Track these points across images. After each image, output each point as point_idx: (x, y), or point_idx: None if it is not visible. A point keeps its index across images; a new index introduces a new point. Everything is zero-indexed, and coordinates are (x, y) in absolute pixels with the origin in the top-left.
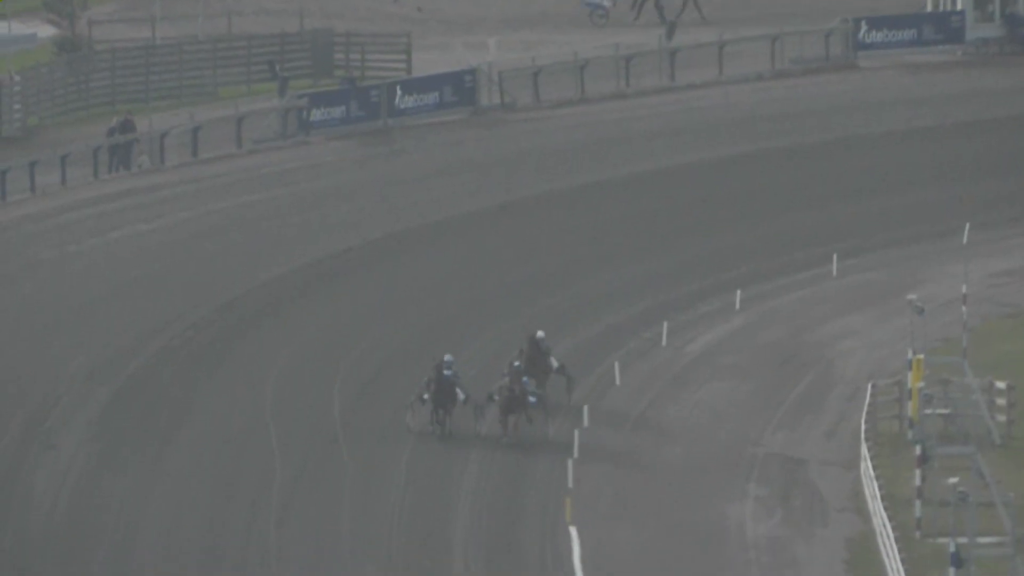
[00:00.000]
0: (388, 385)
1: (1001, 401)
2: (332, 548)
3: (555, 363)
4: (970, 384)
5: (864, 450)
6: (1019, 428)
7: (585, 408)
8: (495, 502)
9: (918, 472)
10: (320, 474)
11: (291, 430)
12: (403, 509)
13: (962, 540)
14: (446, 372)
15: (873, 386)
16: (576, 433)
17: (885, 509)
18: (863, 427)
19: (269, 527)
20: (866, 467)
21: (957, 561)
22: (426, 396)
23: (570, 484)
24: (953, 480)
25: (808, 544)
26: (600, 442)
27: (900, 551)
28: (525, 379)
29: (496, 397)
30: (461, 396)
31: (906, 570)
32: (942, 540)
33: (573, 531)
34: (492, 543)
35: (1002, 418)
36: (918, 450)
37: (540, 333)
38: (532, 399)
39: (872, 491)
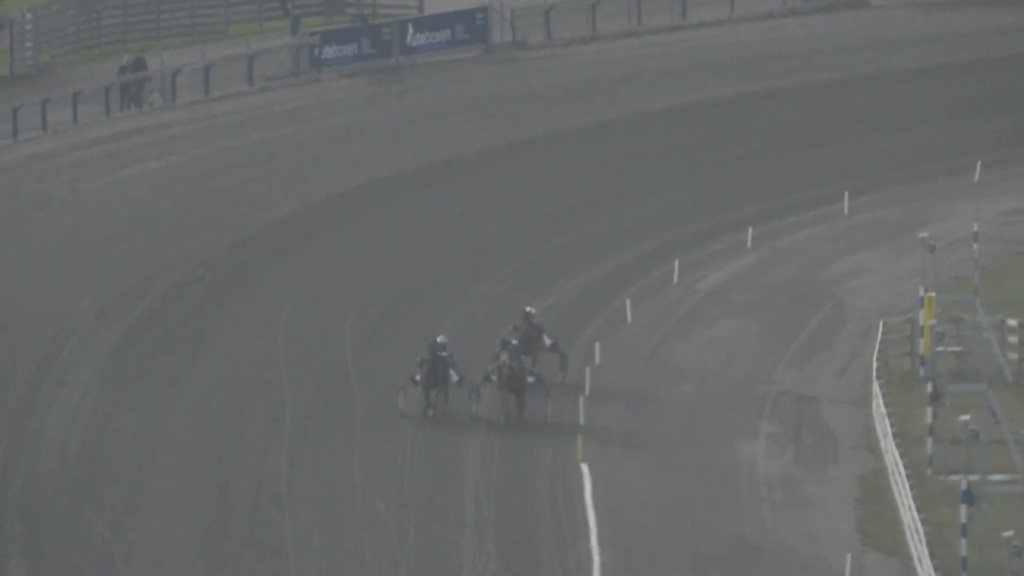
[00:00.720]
0: (400, 324)
1: (1013, 339)
2: (343, 486)
3: (548, 340)
4: (982, 322)
5: (876, 388)
6: None
7: (596, 346)
8: (507, 441)
9: (930, 410)
10: (331, 412)
11: (302, 368)
12: (415, 447)
13: (973, 478)
14: (441, 354)
15: (885, 324)
16: (587, 371)
17: (897, 447)
18: (875, 365)
19: (280, 465)
20: (878, 405)
21: (968, 498)
22: (418, 378)
23: (581, 422)
24: (965, 418)
25: (820, 482)
26: (611, 380)
27: (911, 488)
28: (523, 358)
29: (494, 377)
30: (455, 378)
31: (917, 507)
32: (953, 478)
33: (585, 468)
34: (504, 481)
35: (1014, 356)
36: (930, 388)
37: (531, 308)
38: (531, 379)
39: (884, 429)
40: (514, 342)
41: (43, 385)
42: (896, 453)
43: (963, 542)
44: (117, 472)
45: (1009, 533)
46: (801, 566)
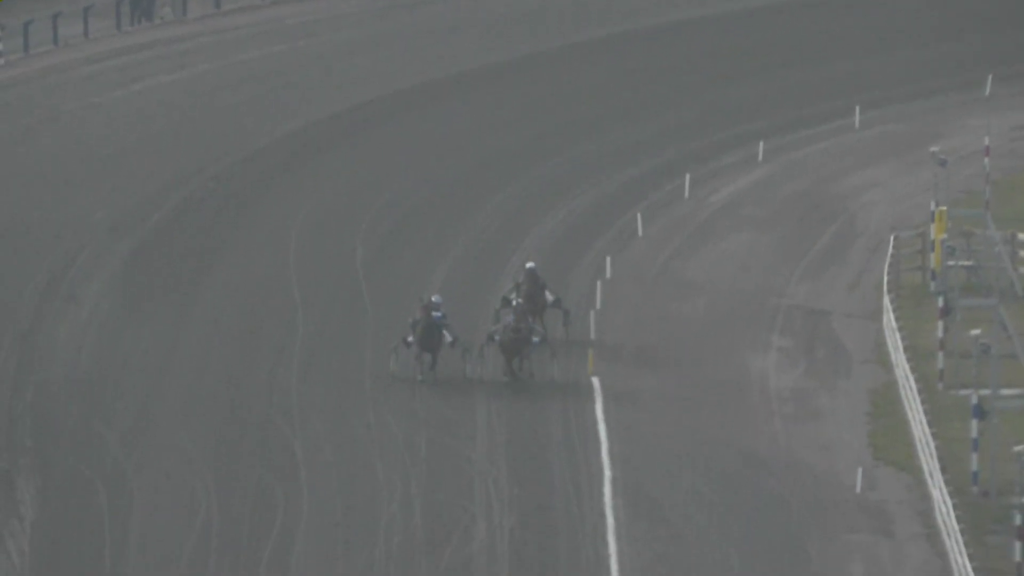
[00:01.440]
0: (410, 238)
1: (1023, 253)
2: (354, 400)
3: (551, 297)
4: (992, 236)
5: (887, 302)
6: None
7: (607, 260)
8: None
9: (940, 324)
10: (342, 327)
11: (313, 283)
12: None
13: (984, 392)
14: (434, 314)
15: (896, 238)
16: (599, 284)
17: (908, 361)
18: (886, 279)
19: (291, 380)
20: (888, 319)
21: (979, 413)
22: (410, 339)
23: (592, 336)
24: (975, 332)
25: (831, 395)
26: (622, 294)
27: (922, 403)
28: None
29: (498, 338)
30: (449, 338)
31: (928, 421)
32: (964, 392)
33: (595, 382)
34: (514, 395)
35: None
36: (941, 302)
37: (531, 264)
38: (536, 339)
39: (895, 343)
40: (518, 301)
41: (54, 299)
42: (907, 367)
43: (974, 457)
44: (128, 386)
45: (1021, 448)
46: (813, 479)
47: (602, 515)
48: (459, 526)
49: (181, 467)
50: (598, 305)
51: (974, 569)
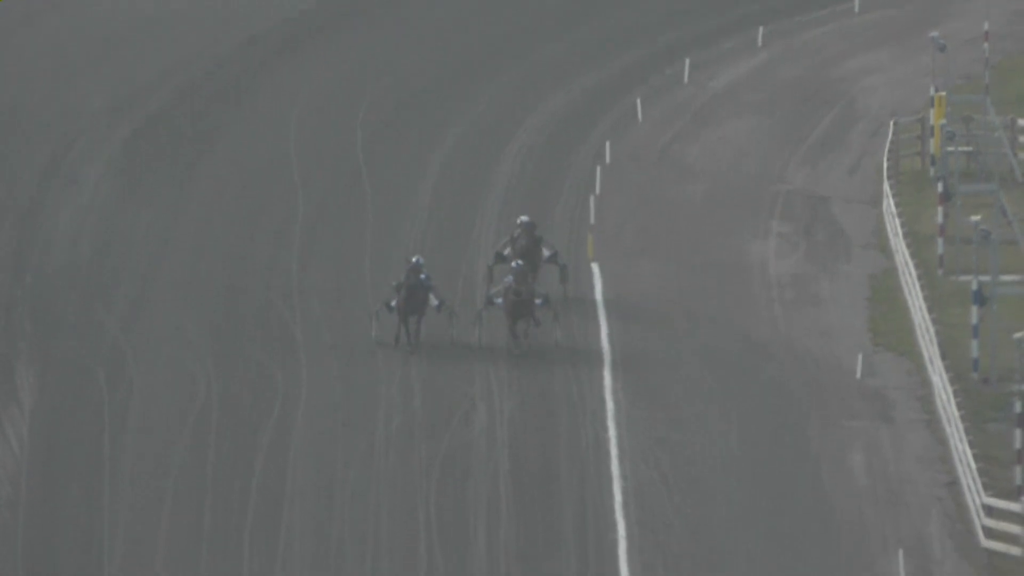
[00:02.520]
0: (410, 122)
1: None
2: (353, 282)
3: (547, 252)
4: (992, 121)
5: (886, 187)
6: None
7: (607, 144)
8: None
9: (940, 209)
10: (342, 210)
11: (314, 166)
12: (425, 243)
13: (984, 278)
14: (421, 275)
15: (895, 123)
16: (598, 169)
17: (907, 246)
18: (885, 164)
19: (291, 263)
20: (888, 204)
21: (980, 299)
22: (393, 303)
23: (592, 220)
24: (975, 218)
25: (831, 280)
26: (622, 178)
27: (922, 288)
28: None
29: (498, 301)
30: (434, 302)
31: (928, 307)
32: (964, 278)
33: (595, 267)
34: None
35: None
36: (940, 187)
37: (526, 218)
38: (539, 301)
39: (894, 228)
40: (517, 262)
41: (54, 183)
42: (907, 253)
43: (974, 343)
44: (127, 270)
45: (1020, 334)
46: (813, 364)
47: (602, 400)
48: (459, 410)
49: (180, 350)
50: (597, 190)
51: (974, 456)
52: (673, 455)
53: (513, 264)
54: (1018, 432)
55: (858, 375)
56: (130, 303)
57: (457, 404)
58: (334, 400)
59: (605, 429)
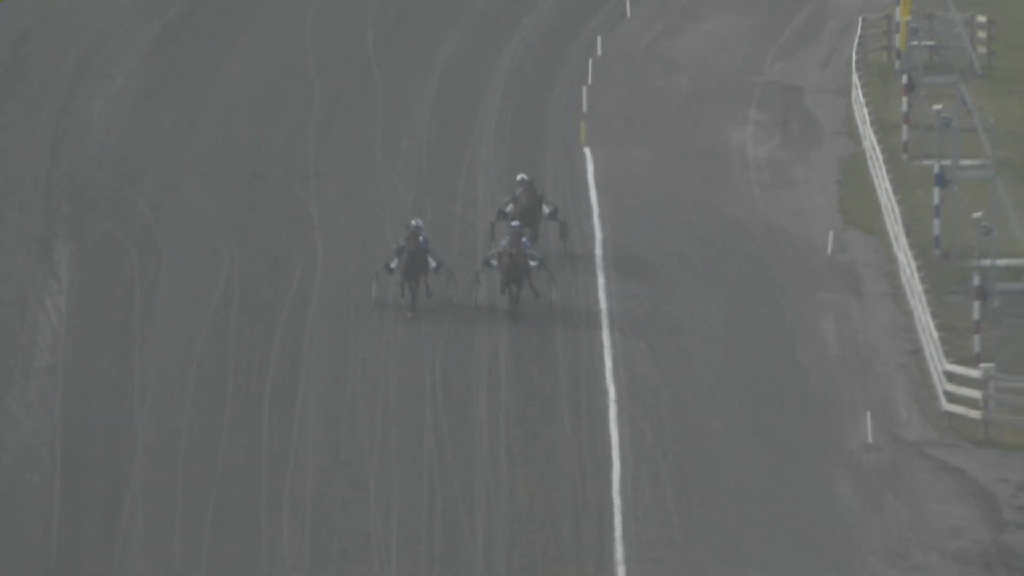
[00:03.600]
0: (417, 22)
1: (982, 34)
2: (366, 167)
3: (547, 209)
4: (954, 18)
5: (855, 79)
6: (999, 60)
7: (598, 39)
8: (518, 119)
9: (905, 99)
10: (355, 101)
11: (328, 61)
12: (432, 131)
13: (946, 162)
14: (420, 238)
15: (864, 20)
16: (590, 62)
17: (874, 133)
18: (854, 58)
19: (308, 150)
20: (857, 94)
21: (941, 181)
22: (393, 265)
23: (584, 109)
24: (938, 107)
25: (805, 165)
26: (612, 71)
27: (888, 172)
28: (524, 240)
29: (494, 263)
30: (433, 264)
31: (894, 189)
32: (927, 162)
33: (587, 152)
34: (512, 167)
35: (983, 50)
36: (905, 79)
37: (525, 176)
38: (534, 263)
39: (863, 116)
40: (515, 224)
41: (88, 76)
42: (874, 139)
43: (936, 222)
44: (156, 156)
45: (979, 214)
46: (787, 241)
47: (593, 275)
48: (462, 283)
49: (206, 230)
50: (589, 81)
51: (936, 326)
52: (659, 326)
53: (512, 224)
54: (976, 304)
55: (829, 251)
56: (159, 186)
57: (463, 280)
58: (347, 275)
59: (597, 302)
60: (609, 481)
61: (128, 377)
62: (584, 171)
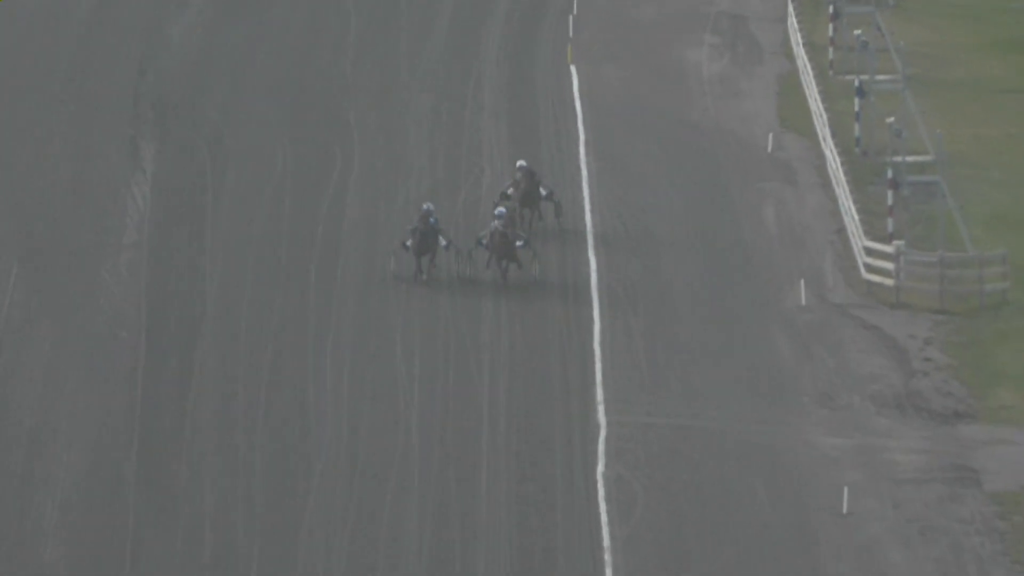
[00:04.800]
0: None
1: None
2: (394, 82)
3: (544, 191)
4: None
5: (790, 8)
6: None
7: None
8: (516, 43)
9: (831, 25)
10: (385, 28)
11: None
12: (446, 52)
13: (864, 77)
14: (430, 220)
15: None
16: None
17: (806, 53)
18: None
19: (346, 65)
20: (792, 21)
21: (861, 93)
22: (409, 243)
23: (571, 34)
24: (858, 31)
25: (749, 79)
26: (593, 3)
27: (817, 85)
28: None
29: (485, 242)
30: (443, 242)
31: (822, 99)
32: (849, 77)
33: (573, 69)
34: (511, 88)
35: None
36: (831, 9)
37: (524, 162)
38: (519, 243)
39: (796, 40)
40: (502, 209)
41: (168, 5)
42: (806, 58)
43: (856, 126)
44: (223, 71)
45: (891, 119)
46: (735, 141)
47: (578, 168)
48: (471, 174)
49: (264, 131)
50: (575, 11)
51: (857, 210)
52: (631, 207)
53: (497, 210)
54: (889, 192)
55: (769, 149)
56: (226, 96)
57: (469, 169)
58: (378, 169)
59: (581, 191)
60: (591, 336)
61: (200, 250)
62: (570, 85)
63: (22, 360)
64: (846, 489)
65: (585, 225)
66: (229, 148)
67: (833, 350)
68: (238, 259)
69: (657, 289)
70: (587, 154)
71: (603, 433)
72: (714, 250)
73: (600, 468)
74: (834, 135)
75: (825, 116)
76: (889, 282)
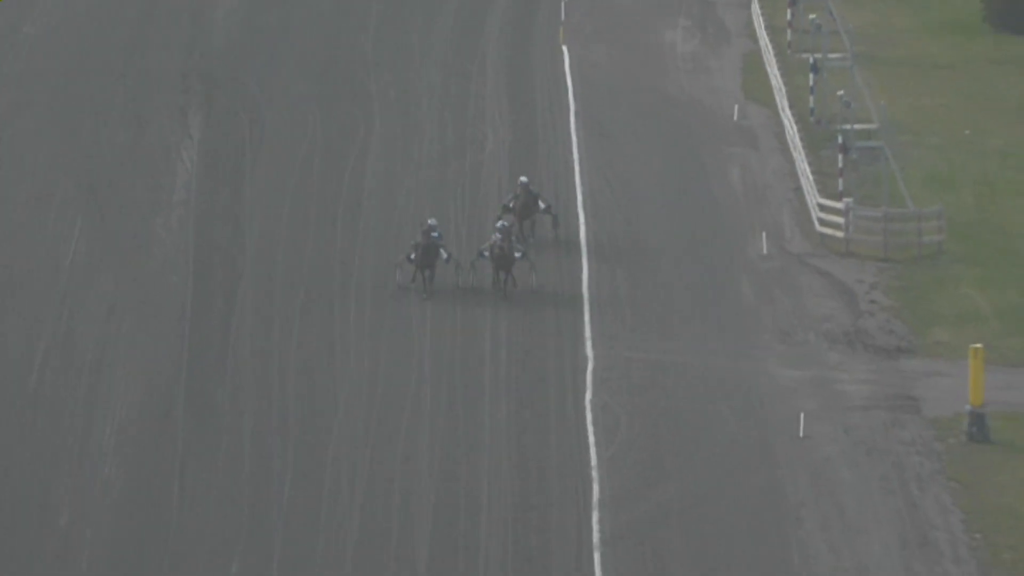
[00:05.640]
0: None
1: None
2: (408, 58)
3: (542, 204)
4: None
5: None
6: None
7: None
8: (515, 25)
9: (789, 10)
10: (401, 10)
11: None
12: (453, 33)
13: (818, 55)
14: (433, 235)
15: None
16: None
17: (768, 35)
18: None
19: (368, 43)
20: (755, 6)
21: (815, 69)
22: (412, 256)
23: (562, 18)
24: (812, 16)
25: (718, 57)
26: None
27: (777, 62)
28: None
29: (487, 254)
30: (444, 256)
31: (781, 74)
32: (805, 55)
33: (564, 48)
34: (510, 65)
35: None
36: None
37: (524, 179)
38: (518, 255)
39: (759, 23)
40: (503, 223)
41: None
42: (767, 39)
43: (811, 98)
44: (261, 50)
45: (841, 92)
46: (705, 111)
47: (569, 135)
48: (475, 139)
49: (296, 101)
50: None
51: (811, 172)
52: (615, 170)
53: (499, 224)
54: (839, 156)
55: (735, 118)
56: (263, 71)
57: (473, 136)
58: (396, 134)
59: (571, 153)
60: (580, 282)
61: (241, 205)
62: (562, 62)
63: (86, 302)
64: (802, 415)
65: (575, 185)
66: (266, 116)
67: (791, 293)
68: (273, 213)
69: (638, 240)
70: (576, 123)
71: (591, 366)
72: (687, 206)
73: (588, 396)
74: (791, 106)
75: (784, 90)
76: (839, 234)
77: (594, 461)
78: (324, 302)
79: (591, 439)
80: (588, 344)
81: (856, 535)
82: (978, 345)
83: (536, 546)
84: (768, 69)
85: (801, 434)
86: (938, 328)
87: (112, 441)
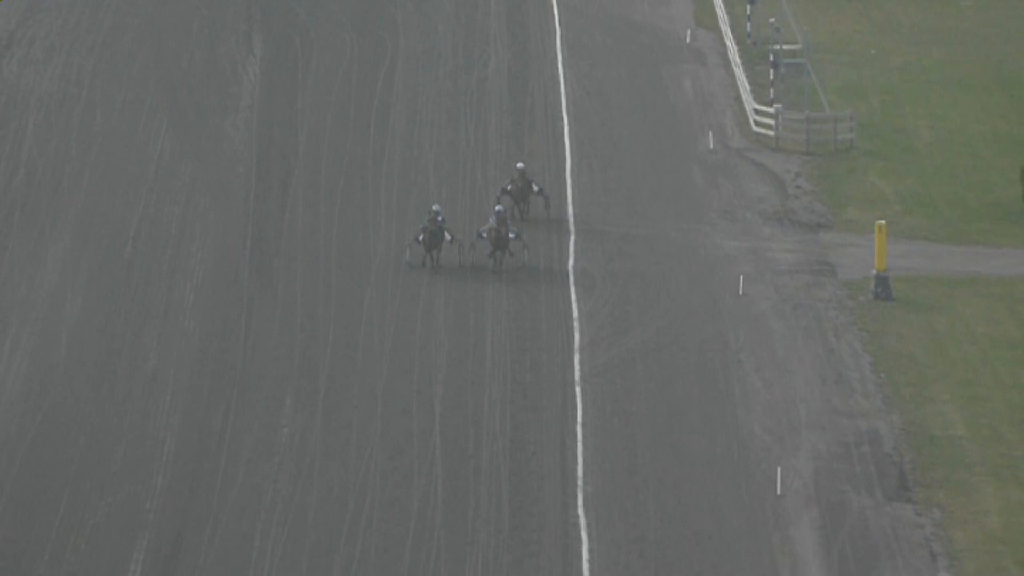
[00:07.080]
0: None
1: None
2: (428, 24)
3: (535, 188)
4: None
5: None
6: None
7: None
8: None
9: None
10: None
11: None
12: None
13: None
14: (438, 219)
15: None
16: None
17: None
18: None
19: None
20: None
21: (752, 1)
22: (420, 238)
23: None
24: (772, 20)
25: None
26: None
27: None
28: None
29: (484, 235)
30: (448, 238)
31: (724, 5)
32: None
33: (557, 26)
34: (510, 20)
35: None
36: None
37: (521, 164)
38: (512, 236)
39: (722, 15)
40: (500, 208)
41: None
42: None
43: (748, 24)
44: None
45: (772, 19)
46: (664, 35)
47: (556, 53)
48: (481, 59)
49: (337, 27)
50: None
51: (748, 84)
52: (592, 81)
53: (496, 208)
54: (771, 71)
55: (688, 40)
56: (311, 1)
57: (477, 57)
58: (416, 52)
59: (557, 69)
60: (564, 168)
61: (295, 108)
62: (553, 44)
63: (170, 188)
64: (741, 277)
65: (560, 94)
66: (313, 39)
67: (732, 180)
68: (320, 117)
69: (610, 137)
70: (561, 44)
71: (572, 237)
72: (649, 110)
73: (571, 262)
74: (733, 31)
75: (727, 18)
76: (771, 133)
77: (575, 314)
78: (360, 185)
79: (573, 296)
80: (571, 221)
81: (785, 374)
82: (882, 222)
83: (530, 382)
84: (715, 4)
85: (740, 293)
86: (850, 208)
87: (191, 299)
